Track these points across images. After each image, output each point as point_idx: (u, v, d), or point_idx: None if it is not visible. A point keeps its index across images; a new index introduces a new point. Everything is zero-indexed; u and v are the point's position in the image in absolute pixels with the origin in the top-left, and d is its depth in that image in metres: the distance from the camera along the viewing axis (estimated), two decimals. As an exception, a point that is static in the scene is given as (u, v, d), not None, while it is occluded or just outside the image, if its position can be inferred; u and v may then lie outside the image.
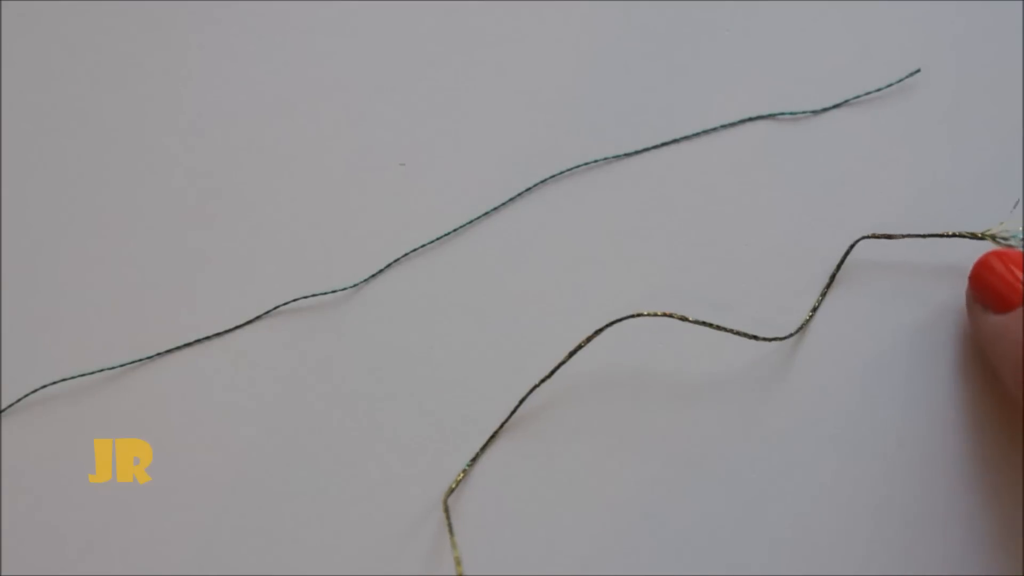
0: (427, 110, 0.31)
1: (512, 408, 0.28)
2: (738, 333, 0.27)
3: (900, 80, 0.31)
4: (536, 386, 0.27)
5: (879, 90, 0.31)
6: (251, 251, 0.30)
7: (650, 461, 0.27)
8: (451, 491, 0.27)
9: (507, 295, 0.29)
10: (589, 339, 0.27)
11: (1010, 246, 0.27)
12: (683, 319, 0.27)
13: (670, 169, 0.31)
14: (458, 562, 0.25)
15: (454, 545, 0.25)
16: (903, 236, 0.28)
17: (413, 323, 0.29)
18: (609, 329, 0.27)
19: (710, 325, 0.27)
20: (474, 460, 0.27)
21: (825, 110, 0.31)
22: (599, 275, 0.29)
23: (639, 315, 0.27)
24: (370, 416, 0.28)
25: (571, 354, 0.27)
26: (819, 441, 0.28)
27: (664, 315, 0.27)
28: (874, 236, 0.29)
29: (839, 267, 0.29)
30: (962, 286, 0.28)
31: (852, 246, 0.29)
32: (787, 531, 0.27)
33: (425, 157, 0.31)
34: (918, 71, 0.31)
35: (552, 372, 0.27)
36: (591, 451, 0.28)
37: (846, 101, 0.31)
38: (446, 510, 0.26)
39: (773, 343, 0.28)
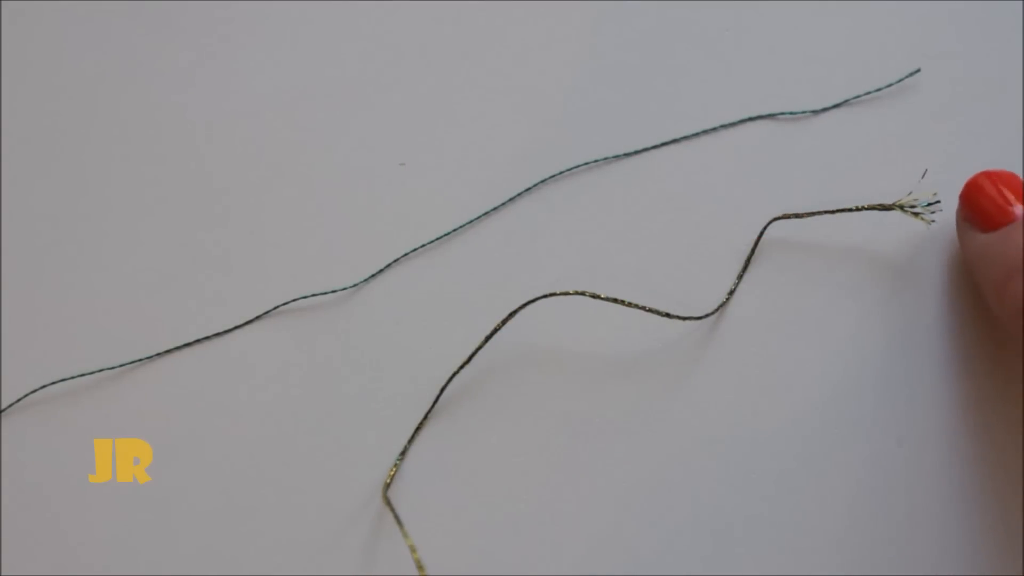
0: (427, 110, 0.31)
1: (435, 396, 0.28)
2: (650, 310, 0.28)
3: (900, 80, 0.31)
4: (456, 372, 0.28)
5: (879, 90, 0.31)
6: (251, 251, 0.30)
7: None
8: (387, 485, 0.27)
9: (507, 295, 0.29)
10: (504, 322, 0.27)
11: (916, 215, 0.28)
12: (595, 296, 0.28)
13: (670, 169, 0.31)
14: (413, 549, 0.25)
15: (406, 534, 0.25)
16: (813, 214, 0.29)
17: (413, 323, 0.29)
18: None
19: (621, 302, 0.28)
20: (403, 453, 0.27)
21: (825, 110, 0.31)
22: (598, 274, 0.29)
23: (552, 295, 0.28)
24: (370, 416, 0.28)
25: (487, 338, 0.27)
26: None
27: (576, 293, 0.28)
28: (784, 216, 0.29)
29: (753, 250, 0.29)
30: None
31: (764, 228, 0.29)
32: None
33: (425, 157, 0.31)
34: (918, 71, 0.31)
35: (470, 357, 0.28)
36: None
37: (846, 101, 0.31)
38: (387, 502, 0.26)
39: (702, 322, 0.28)
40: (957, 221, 0.28)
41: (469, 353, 0.28)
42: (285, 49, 0.32)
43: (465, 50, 0.32)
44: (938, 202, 0.28)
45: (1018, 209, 0.26)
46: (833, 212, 0.29)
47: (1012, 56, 0.31)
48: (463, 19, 0.32)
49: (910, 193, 0.28)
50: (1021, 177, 0.27)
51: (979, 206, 0.26)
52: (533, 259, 0.30)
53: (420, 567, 0.24)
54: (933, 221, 0.28)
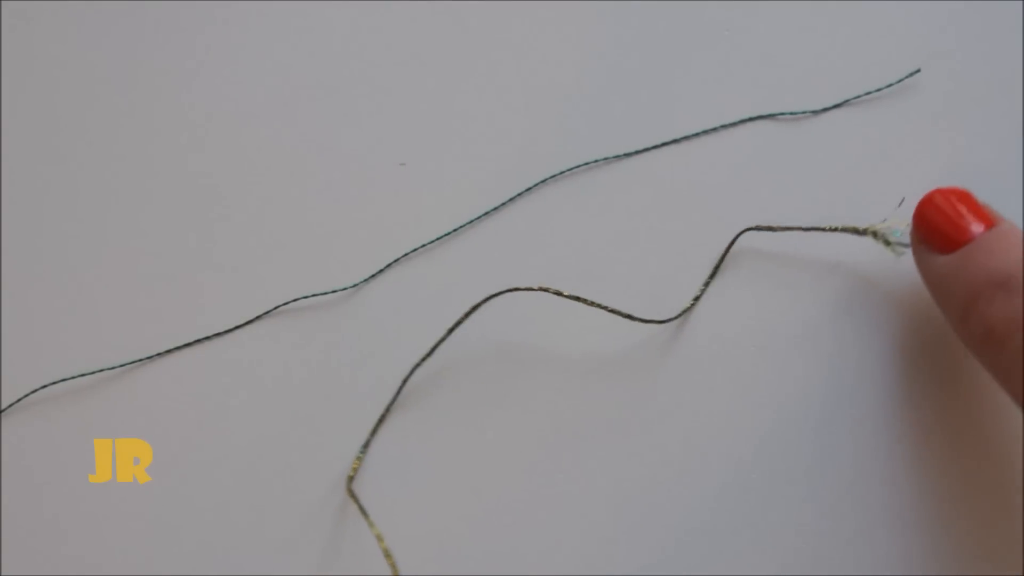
0: (427, 110, 0.31)
1: (398, 388, 0.28)
2: (612, 311, 0.28)
3: (900, 80, 0.31)
4: (418, 365, 0.28)
5: (879, 90, 0.31)
6: (251, 251, 0.30)
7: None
8: (351, 478, 0.27)
9: (506, 295, 0.29)
10: (467, 315, 0.28)
11: (888, 243, 0.27)
12: (558, 293, 0.28)
13: (670, 169, 0.31)
14: (380, 538, 0.25)
15: (372, 524, 0.26)
16: (785, 228, 0.29)
17: (413, 323, 0.29)
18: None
19: (584, 301, 0.28)
20: (366, 445, 0.28)
21: (825, 110, 0.31)
22: (598, 275, 0.29)
23: (516, 289, 0.28)
24: (371, 415, 0.28)
25: (450, 331, 0.28)
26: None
27: (540, 289, 0.28)
28: (757, 228, 0.29)
29: (723, 258, 0.29)
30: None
31: (736, 238, 0.29)
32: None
33: (425, 157, 0.31)
34: (918, 71, 0.31)
35: (432, 350, 0.28)
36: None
37: (846, 101, 0.31)
38: (352, 494, 0.27)
39: (670, 324, 0.29)
40: (912, 244, 0.27)
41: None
42: (285, 49, 0.32)
43: (465, 50, 0.32)
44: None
45: (975, 227, 0.25)
46: (806, 229, 0.29)
47: (1012, 56, 0.31)
48: (463, 19, 0.32)
49: (885, 220, 0.28)
50: (973, 194, 0.26)
51: (934, 226, 0.25)
52: (533, 259, 0.30)
53: (393, 567, 0.24)
54: (903, 253, 0.27)
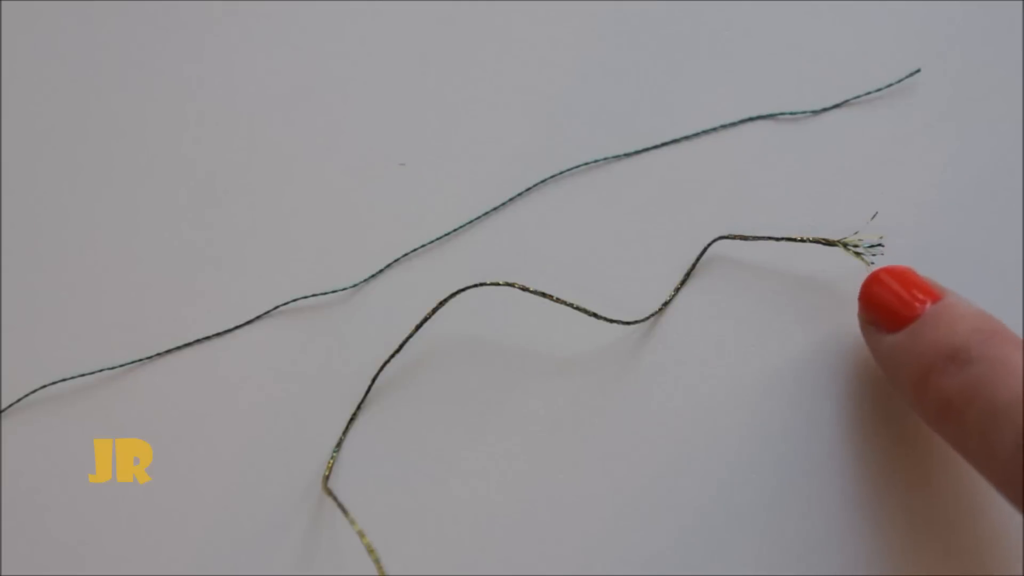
0: (427, 110, 0.31)
1: (368, 386, 0.28)
2: (578, 308, 0.28)
3: (900, 80, 0.31)
4: (387, 361, 0.28)
5: (879, 90, 0.31)
6: (251, 251, 0.30)
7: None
8: (326, 478, 0.27)
9: (506, 295, 0.29)
10: (434, 311, 0.28)
11: (859, 254, 0.28)
12: (524, 289, 0.27)
13: (670, 169, 0.31)
14: (362, 535, 0.25)
15: (353, 521, 0.25)
16: (756, 238, 0.29)
17: (413, 323, 0.29)
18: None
19: (550, 297, 0.28)
20: (339, 445, 0.28)
21: (825, 110, 0.31)
22: (598, 275, 0.29)
23: (482, 284, 0.28)
24: (371, 415, 0.28)
25: (417, 327, 0.28)
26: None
27: (505, 284, 0.28)
28: (730, 236, 0.29)
29: (695, 265, 0.29)
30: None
31: (708, 246, 0.29)
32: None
33: (425, 157, 0.31)
34: (918, 71, 0.31)
35: (401, 346, 0.28)
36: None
37: (846, 101, 0.31)
38: (329, 492, 0.27)
39: (642, 324, 0.29)
40: (860, 325, 0.27)
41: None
42: (285, 49, 0.32)
43: (465, 50, 0.32)
44: (881, 245, 0.28)
45: (923, 303, 0.25)
46: (778, 239, 0.29)
47: (1012, 56, 0.31)
48: (463, 19, 0.32)
49: (856, 232, 0.28)
50: (917, 271, 0.26)
51: (882, 304, 0.25)
52: (533, 259, 0.30)
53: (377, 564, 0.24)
54: (872, 263, 0.28)
